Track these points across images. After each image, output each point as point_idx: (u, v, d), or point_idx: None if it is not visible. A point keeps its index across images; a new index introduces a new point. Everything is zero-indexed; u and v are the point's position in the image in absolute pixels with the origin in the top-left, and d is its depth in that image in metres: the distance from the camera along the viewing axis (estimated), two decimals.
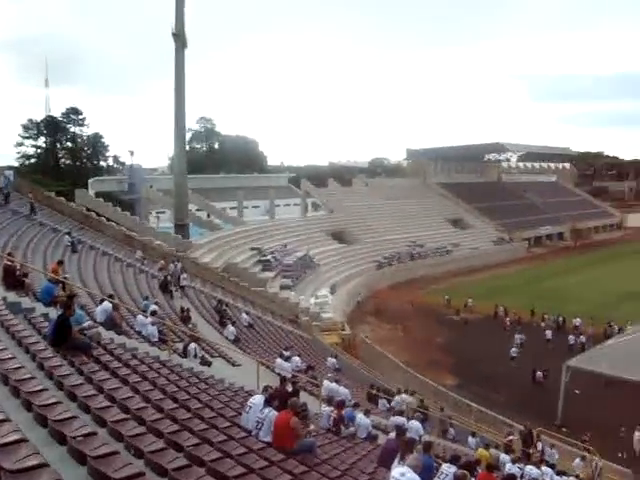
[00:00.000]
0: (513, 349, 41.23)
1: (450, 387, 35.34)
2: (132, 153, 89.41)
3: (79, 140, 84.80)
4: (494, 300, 54.08)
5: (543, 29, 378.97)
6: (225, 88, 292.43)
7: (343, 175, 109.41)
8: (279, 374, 20.62)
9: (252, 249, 54.41)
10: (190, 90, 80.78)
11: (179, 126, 52.85)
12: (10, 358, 8.23)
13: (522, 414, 29.01)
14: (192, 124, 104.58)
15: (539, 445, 23.23)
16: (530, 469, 16.73)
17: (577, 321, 47.32)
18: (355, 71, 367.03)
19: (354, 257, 67.63)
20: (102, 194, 57.09)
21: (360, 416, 15.46)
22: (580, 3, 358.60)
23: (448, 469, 10.21)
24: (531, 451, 22.41)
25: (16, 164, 74.43)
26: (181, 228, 51.77)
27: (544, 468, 18.12)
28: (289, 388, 15.47)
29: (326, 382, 20.10)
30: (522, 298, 55.89)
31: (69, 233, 30.59)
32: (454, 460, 10.89)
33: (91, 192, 56.91)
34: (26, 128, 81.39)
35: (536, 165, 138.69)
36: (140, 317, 18.81)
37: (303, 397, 17.04)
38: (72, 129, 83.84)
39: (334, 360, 30.74)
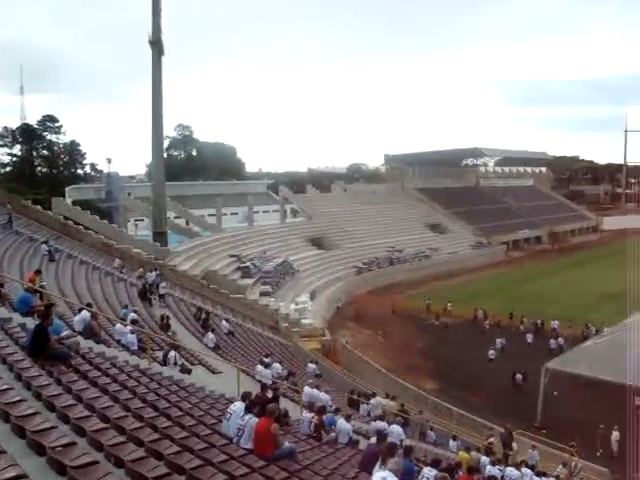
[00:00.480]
0: (491, 351, 41.48)
1: (430, 391, 35.43)
2: (110, 161, 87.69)
3: (55, 148, 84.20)
4: (473, 304, 54.32)
5: (514, 36, 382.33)
6: (203, 95, 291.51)
7: (322, 181, 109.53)
8: (260, 381, 20.62)
9: (231, 256, 54.23)
10: (168, 97, 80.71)
11: (157, 133, 52.63)
12: None
13: (502, 417, 29.16)
14: (170, 131, 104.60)
15: (514, 445, 23.52)
16: (510, 471, 16.87)
17: (555, 323, 47.64)
18: (333, 77, 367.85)
19: (333, 263, 67.57)
20: (79, 202, 56.76)
21: (341, 421, 15.50)
22: (551, 11, 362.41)
23: (429, 472, 10.29)
24: (511, 452, 22.64)
25: None
26: (160, 236, 51.52)
27: (524, 469, 18.27)
28: (269, 394, 15.45)
29: (307, 388, 20.14)
30: (501, 301, 56.20)
31: (46, 242, 30.37)
32: (435, 464, 10.99)
33: (68, 200, 56.50)
34: (1, 136, 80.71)
35: (513, 169, 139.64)
36: (119, 326, 18.72)
37: (284, 403, 17.07)
38: (48, 137, 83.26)
39: (314, 366, 30.78)
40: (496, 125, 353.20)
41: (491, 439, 23.38)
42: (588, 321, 47.07)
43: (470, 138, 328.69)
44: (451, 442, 22.68)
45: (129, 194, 65.24)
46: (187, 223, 65.64)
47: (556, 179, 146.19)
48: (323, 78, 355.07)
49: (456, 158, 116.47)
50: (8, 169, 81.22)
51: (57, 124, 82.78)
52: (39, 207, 39.98)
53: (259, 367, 22.59)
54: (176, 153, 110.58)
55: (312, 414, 14.86)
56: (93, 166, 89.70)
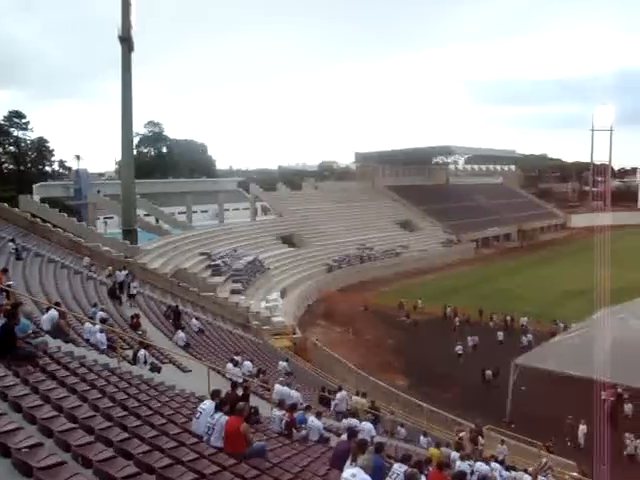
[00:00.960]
0: (458, 347, 41.84)
1: (401, 388, 35.63)
2: (78, 158, 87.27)
3: (23, 144, 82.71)
4: (443, 301, 54.77)
5: (484, 36, 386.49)
6: (174, 92, 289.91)
7: (293, 179, 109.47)
8: (230, 379, 20.54)
9: (201, 254, 53.95)
10: (138, 93, 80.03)
11: (126, 130, 52.19)
12: None
13: (472, 412, 29.50)
14: (140, 128, 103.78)
15: (480, 440, 23.78)
16: (480, 465, 17.04)
17: (524, 320, 48.22)
18: (304, 75, 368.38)
19: (304, 260, 67.61)
20: (48, 200, 55.96)
21: (312, 419, 15.49)
22: (519, 11, 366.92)
23: (399, 468, 10.31)
24: (478, 447, 22.89)
25: None
26: (129, 234, 51.14)
27: (493, 464, 18.46)
28: (239, 392, 15.40)
29: (277, 386, 20.10)
30: (471, 298, 56.72)
31: (13, 240, 29.92)
32: (405, 459, 11.02)
33: (36, 198, 55.81)
34: None
35: (483, 167, 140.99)
36: (88, 325, 18.51)
37: (255, 401, 17.02)
38: (15, 133, 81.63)
39: (285, 364, 30.73)
40: (466, 123, 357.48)
41: (461, 434, 23.60)
42: (556, 317, 47.74)
43: (440, 136, 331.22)
44: (422, 438, 22.81)
45: (98, 191, 64.60)
46: (157, 221, 65.25)
47: (525, 177, 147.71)
48: (295, 76, 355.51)
49: (426, 156, 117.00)
50: None
51: (24, 120, 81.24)
52: (6, 205, 39.37)
53: (229, 365, 22.49)
54: (146, 150, 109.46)
55: (283, 412, 14.85)
56: (62, 163, 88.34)
